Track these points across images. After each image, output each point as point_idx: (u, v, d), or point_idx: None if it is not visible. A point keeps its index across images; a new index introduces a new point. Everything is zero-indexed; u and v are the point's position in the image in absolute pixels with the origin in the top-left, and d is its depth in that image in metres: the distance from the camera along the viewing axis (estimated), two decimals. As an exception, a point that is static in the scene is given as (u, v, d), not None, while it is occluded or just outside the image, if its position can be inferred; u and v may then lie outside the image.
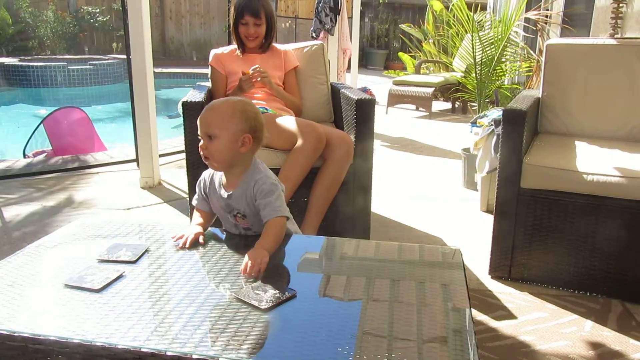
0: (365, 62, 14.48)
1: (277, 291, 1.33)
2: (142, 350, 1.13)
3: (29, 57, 12.07)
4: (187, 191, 3.48)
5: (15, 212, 3.19)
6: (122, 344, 1.14)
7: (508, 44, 4.26)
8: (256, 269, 1.41)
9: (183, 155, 4.33)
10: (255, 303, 1.27)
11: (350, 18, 6.77)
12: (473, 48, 4.16)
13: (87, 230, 1.80)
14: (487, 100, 4.30)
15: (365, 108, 2.48)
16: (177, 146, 4.70)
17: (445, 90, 7.30)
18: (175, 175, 3.85)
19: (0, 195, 3.51)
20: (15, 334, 1.20)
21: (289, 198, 2.36)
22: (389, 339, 1.17)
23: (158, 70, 8.32)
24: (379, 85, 9.03)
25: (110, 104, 9.88)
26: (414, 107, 6.92)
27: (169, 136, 5.22)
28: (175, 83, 11.48)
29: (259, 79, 2.66)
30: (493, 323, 2.00)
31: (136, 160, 4.11)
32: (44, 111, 9.28)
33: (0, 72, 10.41)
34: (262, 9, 2.80)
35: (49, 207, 3.27)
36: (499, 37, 4.10)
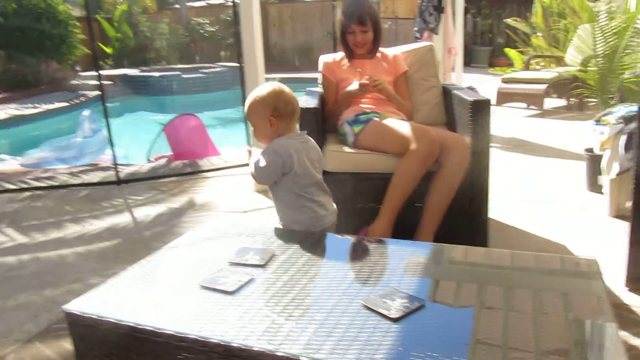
0: (469, 60, 14.03)
1: (405, 300, 1.31)
2: (277, 354, 1.16)
3: (148, 68, 12.94)
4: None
5: (144, 213, 3.43)
6: (258, 347, 1.18)
7: (634, 34, 3.93)
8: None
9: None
10: (385, 312, 1.26)
11: (453, 15, 6.58)
12: (594, 39, 3.88)
13: (216, 232, 1.89)
14: (610, 95, 4.00)
15: (481, 109, 2.39)
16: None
17: (558, 87, 6.89)
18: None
19: (130, 197, 3.79)
20: (161, 331, 1.28)
21: (402, 203, 2.33)
22: (536, 354, 1.11)
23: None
24: (484, 83, 8.71)
25: (219, 110, 10.34)
26: (524, 105, 6.60)
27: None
28: (279, 88, 11.80)
29: (373, 86, 2.65)
30: (633, 340, 1.85)
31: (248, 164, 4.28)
32: (161, 117, 9.93)
33: (124, 82, 11.25)
34: (368, 16, 2.79)
35: (173, 208, 3.48)
36: (623, 26, 3.80)
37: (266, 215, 3.24)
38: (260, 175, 1.96)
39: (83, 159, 5.66)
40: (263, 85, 1.97)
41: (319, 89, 2.97)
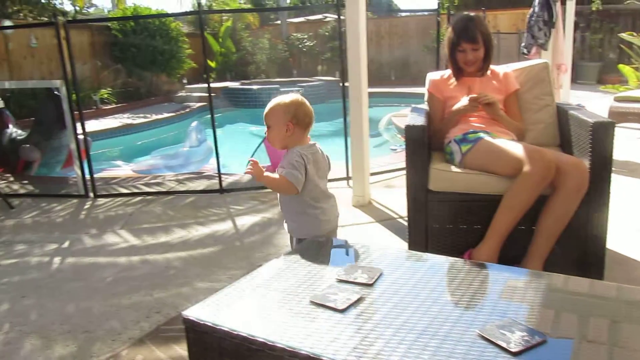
0: (575, 76, 13.30)
1: (524, 333, 1.24)
2: (391, 378, 1.14)
3: (248, 81, 13.42)
4: (397, 211, 3.54)
5: (245, 222, 3.53)
6: (371, 369, 1.16)
7: None
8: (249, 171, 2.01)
9: (390, 174, 4.44)
10: (504, 344, 1.20)
11: (563, 30, 6.27)
12: None
13: (321, 247, 1.90)
14: None
15: (603, 132, 2.25)
16: (382, 166, 4.80)
17: (679, 107, 6.33)
18: (384, 195, 3.91)
19: (231, 205, 3.92)
20: (274, 344, 1.29)
21: (511, 228, 2.23)
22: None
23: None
24: (593, 101, 8.21)
25: (316, 123, 10.46)
26: None
27: (371, 155, 5.36)
28: (374, 102, 11.80)
29: (484, 102, 2.57)
30: None
31: (346, 178, 4.29)
32: (259, 129, 10.24)
33: (225, 94, 11.73)
34: (479, 33, 2.70)
35: (272, 219, 3.55)
36: None
37: (365, 231, 3.22)
38: (295, 183, 2.01)
39: (189, 167, 5.95)
40: (287, 94, 2.12)
41: (425, 106, 2.92)
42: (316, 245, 1.91)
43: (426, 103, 2.93)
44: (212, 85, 12.20)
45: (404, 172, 4.38)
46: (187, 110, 10.45)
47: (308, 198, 2.08)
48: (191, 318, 1.46)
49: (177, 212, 3.84)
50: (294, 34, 15.65)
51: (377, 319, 1.37)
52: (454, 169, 2.47)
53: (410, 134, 2.42)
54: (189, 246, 3.17)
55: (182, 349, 2.09)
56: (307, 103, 2.12)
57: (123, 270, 2.87)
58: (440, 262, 1.71)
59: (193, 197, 4.20)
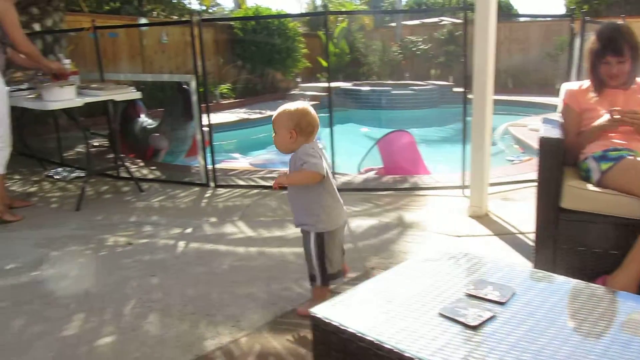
0: None
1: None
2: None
3: (360, 82, 13.47)
4: (516, 226, 3.37)
5: (358, 224, 3.54)
6: (508, 393, 1.10)
7: None
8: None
9: (508, 187, 4.24)
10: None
11: None
12: None
13: (446, 257, 1.84)
14: None
15: None
16: (499, 177, 4.60)
17: None
18: (501, 207, 3.75)
19: (345, 206, 3.93)
20: (403, 354, 1.27)
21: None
22: None
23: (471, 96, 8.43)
24: None
25: (425, 128, 10.32)
26: None
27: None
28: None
29: (629, 121, 2.38)
30: None
31: (461, 187, 4.16)
32: (368, 130, 10.24)
33: (336, 94, 11.83)
34: (626, 44, 2.48)
35: (386, 223, 3.53)
36: None
37: (483, 244, 3.11)
38: (318, 169, 2.13)
39: (302, 164, 6.07)
40: (295, 102, 2.21)
41: (558, 118, 2.75)
42: (441, 256, 1.86)
43: (560, 114, 2.76)
44: (324, 85, 12.46)
45: (525, 185, 4.24)
46: (300, 108, 10.68)
47: (328, 190, 2.23)
48: (319, 316, 1.48)
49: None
50: (408, 37, 15.48)
51: (512, 342, 1.30)
52: (590, 187, 2.31)
53: (545, 147, 2.30)
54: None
55: (297, 343, 2.13)
56: (312, 112, 2.19)
57: (241, 260, 2.98)
58: (579, 288, 1.60)
59: (306, 194, 4.27)
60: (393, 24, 16.73)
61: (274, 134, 2.21)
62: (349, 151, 7.18)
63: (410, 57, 15.18)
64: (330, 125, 4.46)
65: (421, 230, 3.39)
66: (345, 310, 1.49)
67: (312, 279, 2.31)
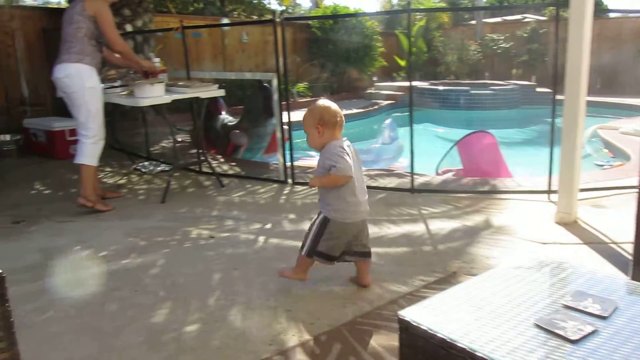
0: None
1: None
2: None
3: (437, 82, 13.21)
4: (609, 235, 3.17)
5: (438, 226, 3.46)
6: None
7: None
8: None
9: (598, 193, 4.00)
10: None
11: None
12: None
13: (542, 267, 1.76)
14: None
15: None
16: (587, 182, 4.35)
17: None
18: (592, 215, 3.55)
19: (423, 207, 3.88)
20: (496, 364, 1.22)
21: None
22: None
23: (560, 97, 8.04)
24: None
25: (505, 129, 9.98)
26: None
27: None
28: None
29: None
30: None
31: (547, 192, 3.98)
32: (443, 131, 10.02)
33: (414, 93, 11.66)
34: None
35: (467, 226, 3.43)
36: None
37: (573, 253, 2.95)
38: (347, 172, 2.29)
39: (379, 163, 6.04)
40: (316, 102, 2.47)
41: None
42: (533, 263, 1.77)
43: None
44: (400, 84, 12.33)
45: (617, 192, 3.99)
46: (376, 107, 10.63)
47: (349, 186, 2.37)
48: (407, 319, 1.44)
49: (370, 207, 3.89)
50: (489, 35, 15.02)
51: None
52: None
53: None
54: (382, 243, 3.20)
55: (376, 343, 2.11)
56: (333, 105, 2.42)
57: (319, 258, 2.99)
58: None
59: (384, 194, 4.24)
60: (473, 22, 16.28)
61: (306, 137, 2.42)
62: (424, 152, 7.05)
63: (490, 55, 14.72)
64: (410, 124, 4.40)
65: (505, 235, 3.27)
66: (434, 315, 1.45)
67: (302, 246, 2.52)
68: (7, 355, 0.96)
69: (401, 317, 1.46)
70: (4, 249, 3.26)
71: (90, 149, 3.82)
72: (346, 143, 2.40)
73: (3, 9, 6.52)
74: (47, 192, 4.59)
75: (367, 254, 2.57)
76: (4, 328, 0.96)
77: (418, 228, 3.45)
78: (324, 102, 2.45)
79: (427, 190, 4.28)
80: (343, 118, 2.42)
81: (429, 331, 1.38)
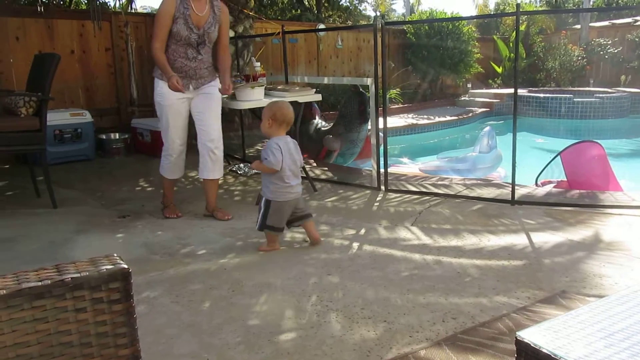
0: None
1: None
2: None
3: (536, 89, 12.61)
4: None
5: (542, 240, 3.25)
6: None
7: None
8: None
9: None
10: None
11: None
12: None
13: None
14: None
15: None
16: None
17: None
18: None
19: (525, 219, 3.66)
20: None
21: None
22: None
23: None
24: None
25: (612, 140, 9.34)
26: None
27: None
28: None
29: None
30: None
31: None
32: (542, 141, 9.51)
33: (510, 101, 11.15)
34: None
35: (574, 241, 3.20)
36: None
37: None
38: (272, 166, 2.99)
39: (475, 172, 5.82)
40: (281, 100, 3.34)
41: None
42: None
43: None
44: (496, 91, 11.87)
45: None
46: (470, 114, 10.32)
47: (279, 176, 3.03)
48: (526, 341, 1.33)
49: (466, 217, 3.75)
50: (595, 39, 14.12)
51: None
52: None
53: None
54: (482, 255, 3.05)
55: (481, 364, 1.99)
56: (285, 107, 3.08)
57: (417, 268, 2.89)
58: None
59: (481, 205, 4.06)
60: (577, 26, 15.40)
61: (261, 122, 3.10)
62: (521, 161, 6.71)
63: (595, 61, 13.85)
64: (514, 132, 4.17)
65: (618, 252, 3.01)
66: (557, 338, 1.32)
67: (257, 223, 3.19)
68: (128, 352, 0.97)
69: (519, 339, 1.34)
70: (111, 242, 3.43)
71: (162, 161, 3.86)
72: (287, 139, 3.08)
73: (119, 15, 6.97)
74: (150, 189, 4.81)
75: (307, 216, 3.22)
76: (127, 324, 0.98)
77: (520, 241, 3.26)
78: (281, 103, 3.16)
79: (529, 202, 4.04)
80: (291, 119, 3.09)
81: (553, 356, 1.26)
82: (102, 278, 1.01)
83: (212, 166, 3.77)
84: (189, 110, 3.76)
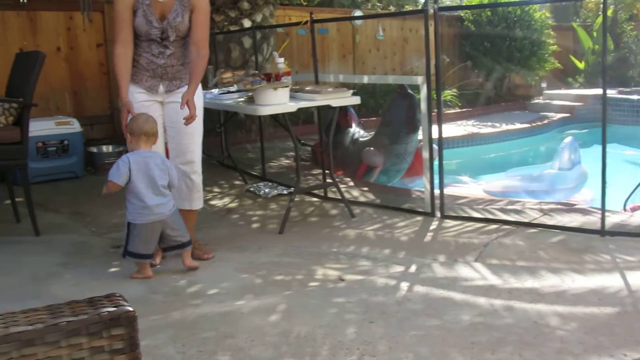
0: None
1: None
2: None
3: (628, 89, 12.40)
4: None
5: (641, 279, 3.19)
6: None
7: None
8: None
9: None
10: None
11: None
12: None
13: None
14: None
15: None
16: None
17: None
18: None
19: (618, 255, 3.59)
20: None
21: None
22: None
23: None
24: None
25: None
26: None
27: None
28: None
29: None
30: None
31: None
32: (632, 153, 9.33)
33: (595, 104, 10.91)
34: None
35: (686, 285, 3.12)
36: None
37: None
38: (110, 175, 3.29)
39: (554, 194, 5.75)
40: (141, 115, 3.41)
41: None
42: None
43: None
44: (579, 92, 11.73)
45: None
46: (546, 121, 10.21)
47: (132, 192, 3.31)
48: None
49: (545, 252, 3.69)
50: None
51: None
52: None
53: None
54: (564, 300, 2.99)
55: None
56: (142, 119, 3.34)
57: (483, 315, 2.85)
58: None
59: (563, 235, 3.99)
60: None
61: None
62: (612, 181, 6.60)
63: None
64: (603, 145, 4.11)
65: None
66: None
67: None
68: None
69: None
70: (104, 277, 3.49)
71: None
72: (139, 153, 3.33)
73: (113, 4, 7.14)
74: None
75: (182, 245, 3.46)
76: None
77: (613, 282, 3.19)
78: (138, 115, 3.38)
79: (623, 232, 3.96)
80: (152, 134, 3.35)
81: None
82: (103, 323, 1.03)
83: (189, 194, 3.71)
84: (162, 117, 3.67)
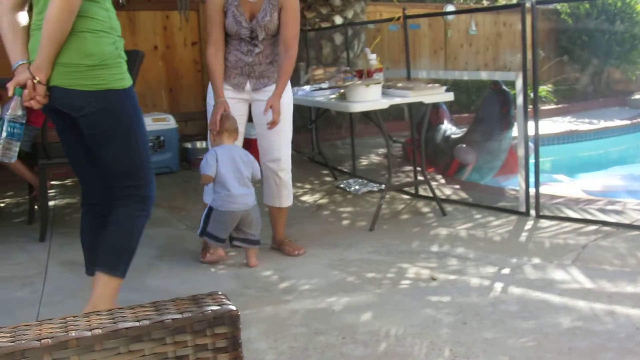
0: None
1: None
2: None
3: None
4: None
5: None
6: None
7: None
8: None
9: None
10: None
11: None
12: None
13: None
14: None
15: None
16: None
17: None
18: None
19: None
20: None
21: None
22: None
23: None
24: None
25: None
26: None
27: None
28: None
29: None
30: None
31: None
32: None
33: None
34: None
35: None
36: None
37: None
38: (202, 168, 3.49)
39: (660, 194, 5.46)
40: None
41: None
42: None
43: None
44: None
45: None
46: (645, 118, 9.71)
47: (220, 182, 3.45)
48: None
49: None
50: None
51: None
52: None
53: None
54: (671, 308, 2.83)
55: None
56: (222, 117, 3.45)
57: (582, 319, 2.73)
58: None
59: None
60: None
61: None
62: None
63: None
64: None
65: None
66: None
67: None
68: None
69: None
70: (198, 271, 3.58)
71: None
72: (225, 147, 3.46)
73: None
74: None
75: (251, 242, 3.59)
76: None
77: None
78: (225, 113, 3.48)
79: None
80: (233, 129, 3.49)
81: None
82: (207, 321, 1.04)
83: (278, 192, 3.75)
84: (247, 115, 3.74)
